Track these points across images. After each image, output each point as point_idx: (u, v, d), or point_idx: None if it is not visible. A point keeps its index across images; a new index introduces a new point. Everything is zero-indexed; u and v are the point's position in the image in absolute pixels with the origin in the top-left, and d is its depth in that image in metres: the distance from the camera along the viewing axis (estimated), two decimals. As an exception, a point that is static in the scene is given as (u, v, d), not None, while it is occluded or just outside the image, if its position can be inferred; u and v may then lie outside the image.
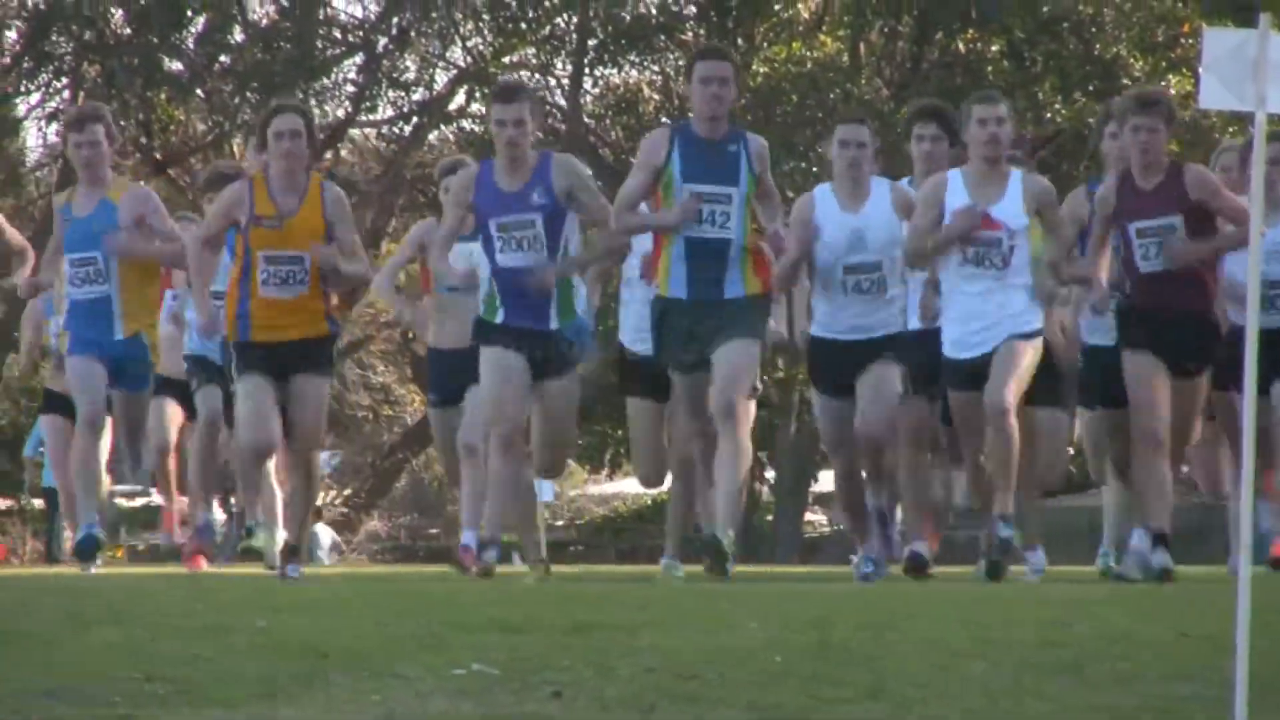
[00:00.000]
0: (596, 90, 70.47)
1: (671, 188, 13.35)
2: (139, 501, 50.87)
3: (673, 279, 13.38)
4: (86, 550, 19.27)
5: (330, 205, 15.55)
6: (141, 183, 22.30)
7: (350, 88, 69.54)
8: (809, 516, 74.23)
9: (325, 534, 56.40)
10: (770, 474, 70.91)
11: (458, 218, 15.66)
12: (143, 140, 63.33)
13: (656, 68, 67.33)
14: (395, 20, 68.13)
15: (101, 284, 18.55)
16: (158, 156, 69.77)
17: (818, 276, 16.44)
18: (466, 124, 70.69)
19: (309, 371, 16.28)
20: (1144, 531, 15.92)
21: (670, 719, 8.05)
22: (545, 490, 18.49)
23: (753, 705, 8.04)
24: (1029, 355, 13.35)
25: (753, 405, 15.67)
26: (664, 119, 59.54)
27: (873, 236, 16.13)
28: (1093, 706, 8.58)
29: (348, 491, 78.50)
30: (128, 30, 66.43)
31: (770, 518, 57.06)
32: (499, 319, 14.66)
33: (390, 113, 73.66)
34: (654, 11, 66.69)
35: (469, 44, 69.42)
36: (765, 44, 65.45)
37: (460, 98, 73.03)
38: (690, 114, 13.21)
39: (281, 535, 19.94)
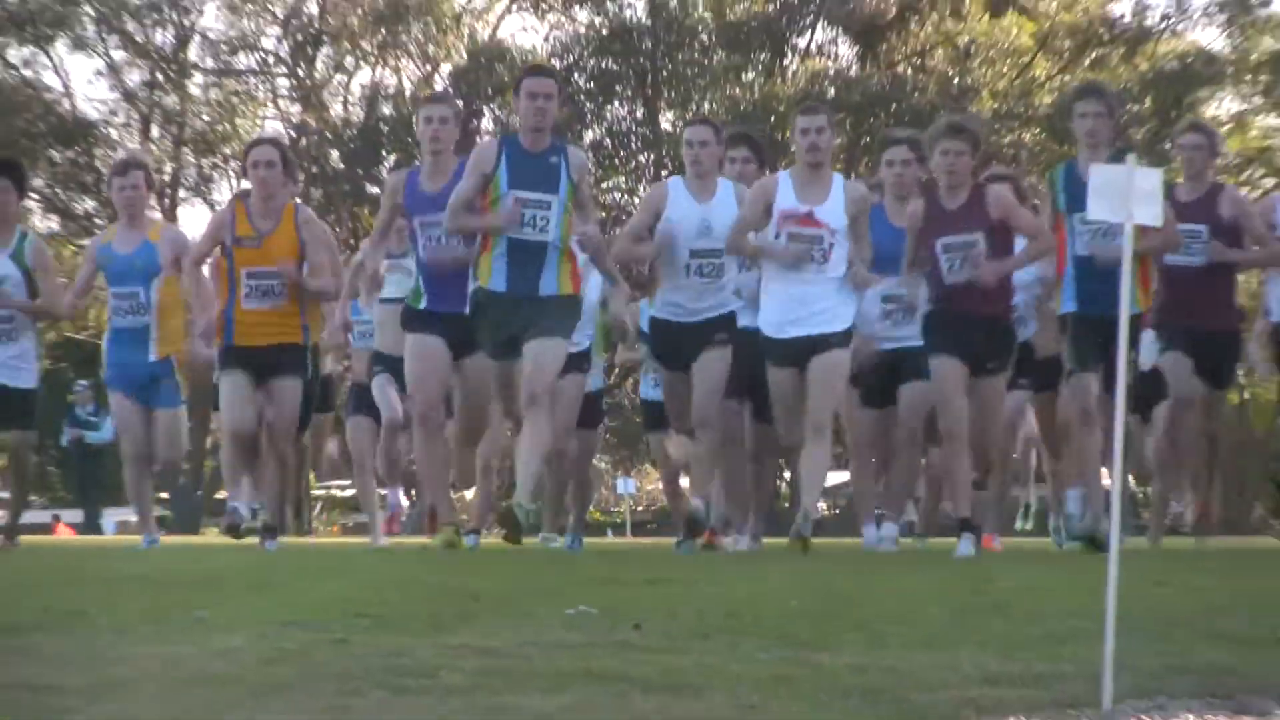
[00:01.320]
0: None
1: (498, 193, 12.82)
2: (349, 491, 47.83)
3: (494, 274, 12.80)
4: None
5: (303, 227, 14.85)
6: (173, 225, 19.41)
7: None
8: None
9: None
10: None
11: (388, 216, 15.05)
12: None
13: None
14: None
15: (143, 315, 17.29)
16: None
17: (665, 261, 15.38)
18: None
19: (284, 374, 15.58)
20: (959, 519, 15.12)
21: (720, 645, 8.41)
22: (628, 485, 17.76)
23: (778, 634, 8.71)
24: (842, 372, 12.93)
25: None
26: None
27: (718, 226, 14.77)
28: (1011, 637, 9.09)
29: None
30: (341, 165, 67.71)
31: (787, 504, 56.40)
32: (423, 305, 14.07)
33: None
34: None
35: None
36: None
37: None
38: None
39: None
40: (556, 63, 61.75)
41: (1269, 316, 16.82)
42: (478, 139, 51.49)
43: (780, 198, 11.95)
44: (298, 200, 17.09)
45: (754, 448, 16.15)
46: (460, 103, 43.32)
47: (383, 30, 65.96)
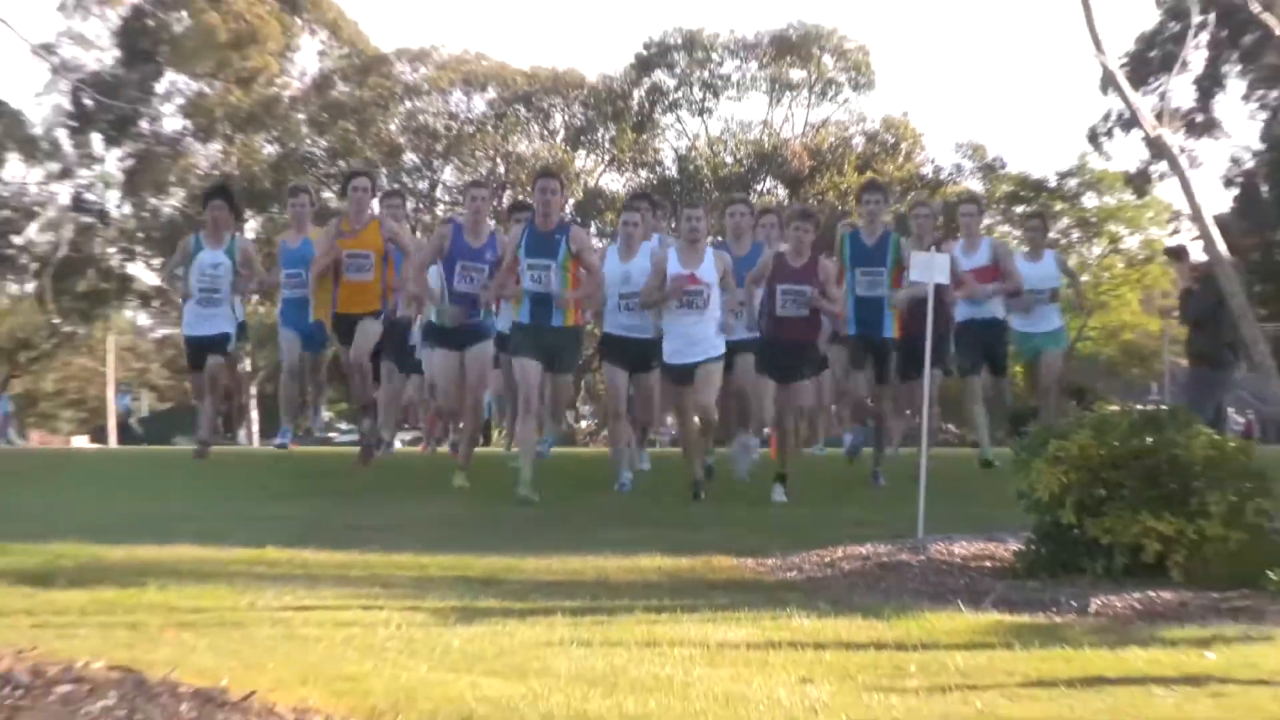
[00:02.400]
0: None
1: (519, 259, 16.13)
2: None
3: (521, 311, 16.28)
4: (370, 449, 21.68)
5: (386, 231, 18.21)
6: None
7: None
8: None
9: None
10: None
11: (432, 255, 17.91)
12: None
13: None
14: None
15: (304, 289, 20.25)
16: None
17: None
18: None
19: (366, 317, 18.53)
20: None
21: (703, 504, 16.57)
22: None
23: (778, 517, 15.02)
24: (718, 374, 16.17)
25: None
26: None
27: (637, 278, 18.33)
28: (873, 501, 17.05)
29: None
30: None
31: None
32: (447, 323, 17.58)
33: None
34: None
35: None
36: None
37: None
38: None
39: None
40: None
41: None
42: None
43: (670, 266, 15.77)
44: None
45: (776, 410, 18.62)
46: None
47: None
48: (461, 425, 20.09)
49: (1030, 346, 21.88)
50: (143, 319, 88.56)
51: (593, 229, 75.80)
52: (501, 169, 71.18)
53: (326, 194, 63.30)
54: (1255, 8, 15.06)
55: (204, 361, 17.01)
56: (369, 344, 18.88)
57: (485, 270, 16.33)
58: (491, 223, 18.56)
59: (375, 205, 21.07)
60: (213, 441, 18.61)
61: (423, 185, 78.20)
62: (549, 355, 16.71)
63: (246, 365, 69.79)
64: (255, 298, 26.62)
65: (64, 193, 62.26)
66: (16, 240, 55.06)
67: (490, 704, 7.35)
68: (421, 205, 77.01)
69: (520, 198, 58.59)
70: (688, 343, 15.84)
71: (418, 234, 27.15)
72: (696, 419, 17.38)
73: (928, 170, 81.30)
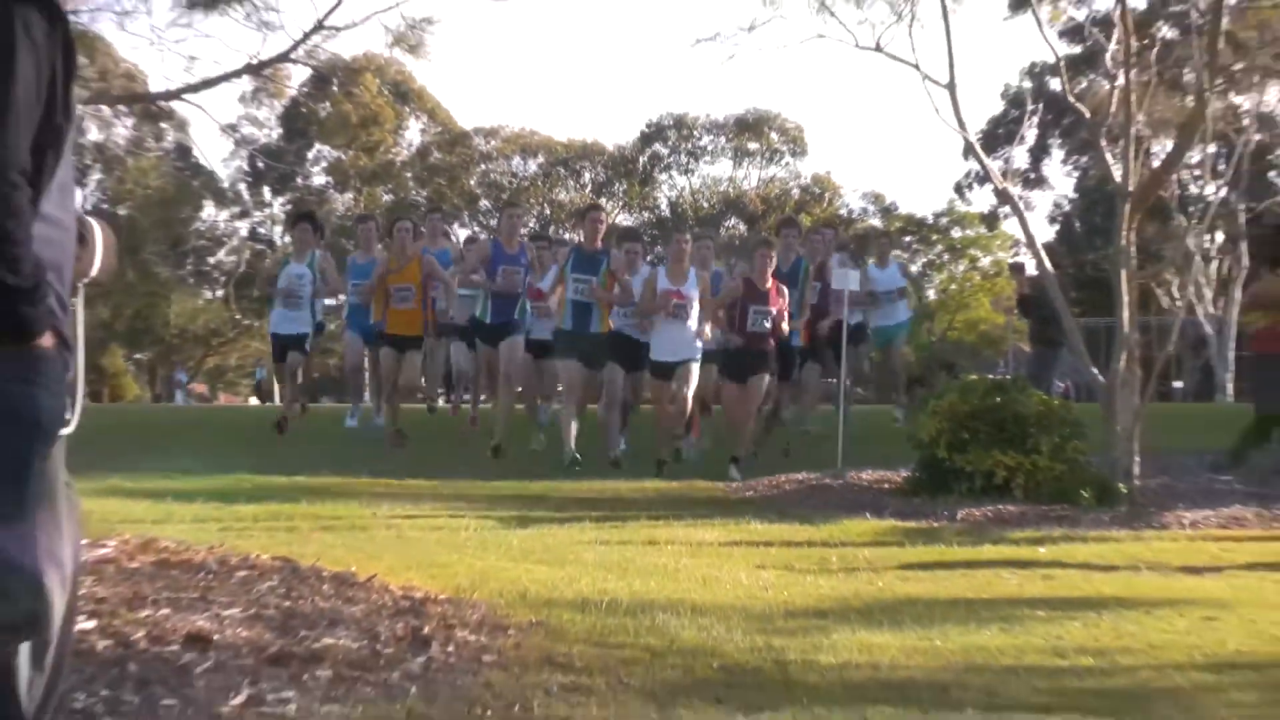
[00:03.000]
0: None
1: (567, 275, 14.65)
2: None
3: (565, 319, 14.68)
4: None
5: (425, 266, 15.65)
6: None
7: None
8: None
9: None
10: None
11: (476, 264, 16.05)
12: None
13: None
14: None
15: (366, 297, 17.18)
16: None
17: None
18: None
19: (413, 349, 15.94)
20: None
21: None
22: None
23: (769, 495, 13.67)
24: (695, 372, 14.44)
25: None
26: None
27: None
28: (807, 456, 15.80)
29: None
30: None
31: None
32: (488, 320, 15.81)
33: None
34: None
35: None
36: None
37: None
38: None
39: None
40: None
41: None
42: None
43: (660, 282, 14.13)
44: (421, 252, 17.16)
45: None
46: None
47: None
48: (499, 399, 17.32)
49: (882, 336, 20.38)
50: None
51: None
52: (547, 211, 70.57)
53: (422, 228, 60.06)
54: (1071, 99, 15.14)
55: (286, 355, 15.38)
56: (415, 374, 17.10)
57: (521, 271, 15.21)
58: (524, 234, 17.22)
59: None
60: (293, 415, 16.48)
61: (493, 223, 73.92)
62: (587, 357, 15.15)
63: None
64: (336, 300, 19.96)
65: (243, 227, 62.36)
66: (210, 260, 55.18)
67: (539, 584, 7.58)
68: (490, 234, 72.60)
69: (552, 231, 57.13)
70: (672, 345, 14.48)
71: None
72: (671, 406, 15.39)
73: (844, 212, 76.80)
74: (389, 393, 16.61)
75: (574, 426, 15.30)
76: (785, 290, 15.03)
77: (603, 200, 74.87)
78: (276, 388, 20.34)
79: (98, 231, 3.46)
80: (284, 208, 58.47)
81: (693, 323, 14.11)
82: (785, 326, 14.93)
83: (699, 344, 14.74)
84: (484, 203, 71.05)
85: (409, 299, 15.07)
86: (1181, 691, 5.79)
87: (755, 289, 14.11)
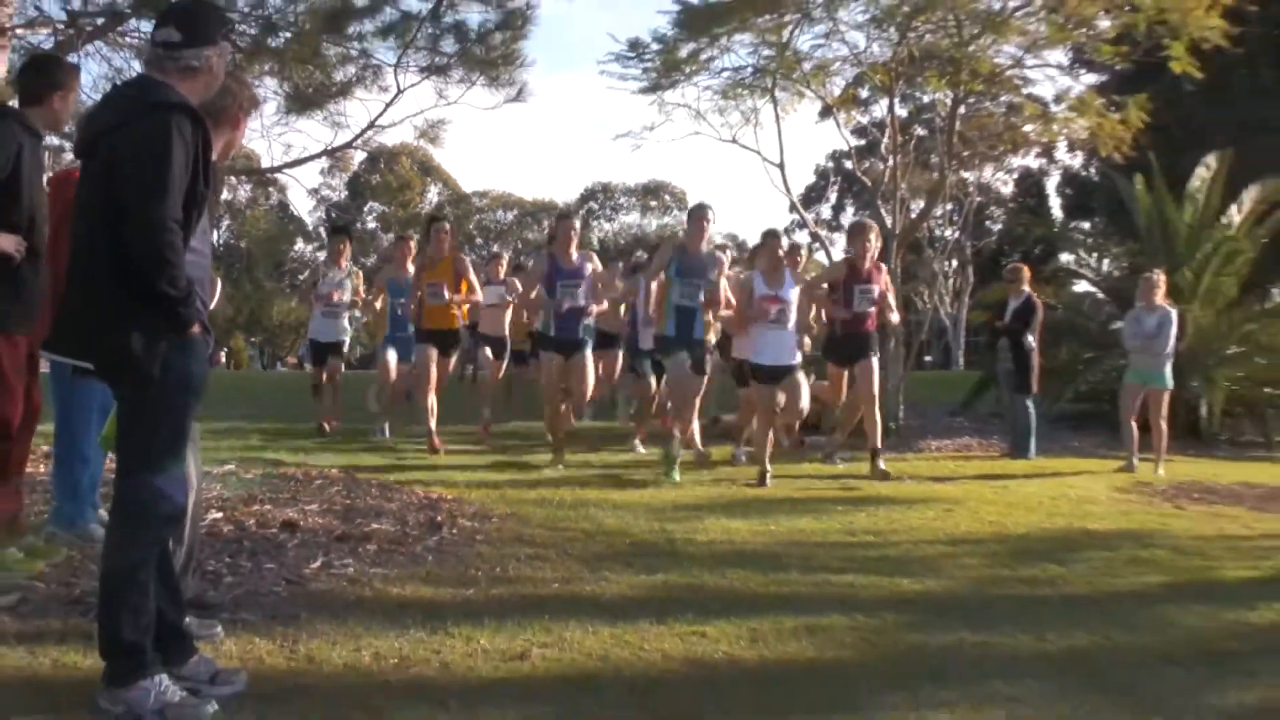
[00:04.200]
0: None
1: (671, 279, 9.77)
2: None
3: (667, 324, 9.70)
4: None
5: (457, 265, 11.09)
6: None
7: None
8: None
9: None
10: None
11: (536, 279, 10.64)
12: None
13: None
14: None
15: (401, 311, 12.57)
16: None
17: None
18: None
19: (449, 350, 11.02)
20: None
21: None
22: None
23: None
24: (803, 379, 9.42)
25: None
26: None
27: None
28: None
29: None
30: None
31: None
32: (551, 333, 10.30)
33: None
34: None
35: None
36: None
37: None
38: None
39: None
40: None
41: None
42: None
43: (757, 286, 9.65)
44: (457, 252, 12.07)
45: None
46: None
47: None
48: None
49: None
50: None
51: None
52: (520, 246, 69.56)
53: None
54: (859, 174, 15.46)
55: (325, 359, 11.57)
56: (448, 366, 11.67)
57: (581, 285, 10.53)
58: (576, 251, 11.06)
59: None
60: (332, 426, 11.79)
61: (484, 253, 73.86)
62: (696, 364, 10.26)
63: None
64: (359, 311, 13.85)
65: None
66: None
67: (514, 490, 7.58)
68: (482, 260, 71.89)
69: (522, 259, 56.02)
70: (775, 350, 9.84)
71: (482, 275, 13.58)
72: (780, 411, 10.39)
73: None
74: (424, 394, 11.75)
75: (696, 430, 10.34)
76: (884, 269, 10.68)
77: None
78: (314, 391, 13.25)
79: (219, 282, 3.67)
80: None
81: (793, 327, 9.83)
82: (893, 313, 10.75)
83: (798, 349, 10.09)
84: (478, 240, 70.70)
85: (440, 295, 10.96)
86: (930, 558, 6.06)
87: (858, 269, 10.18)
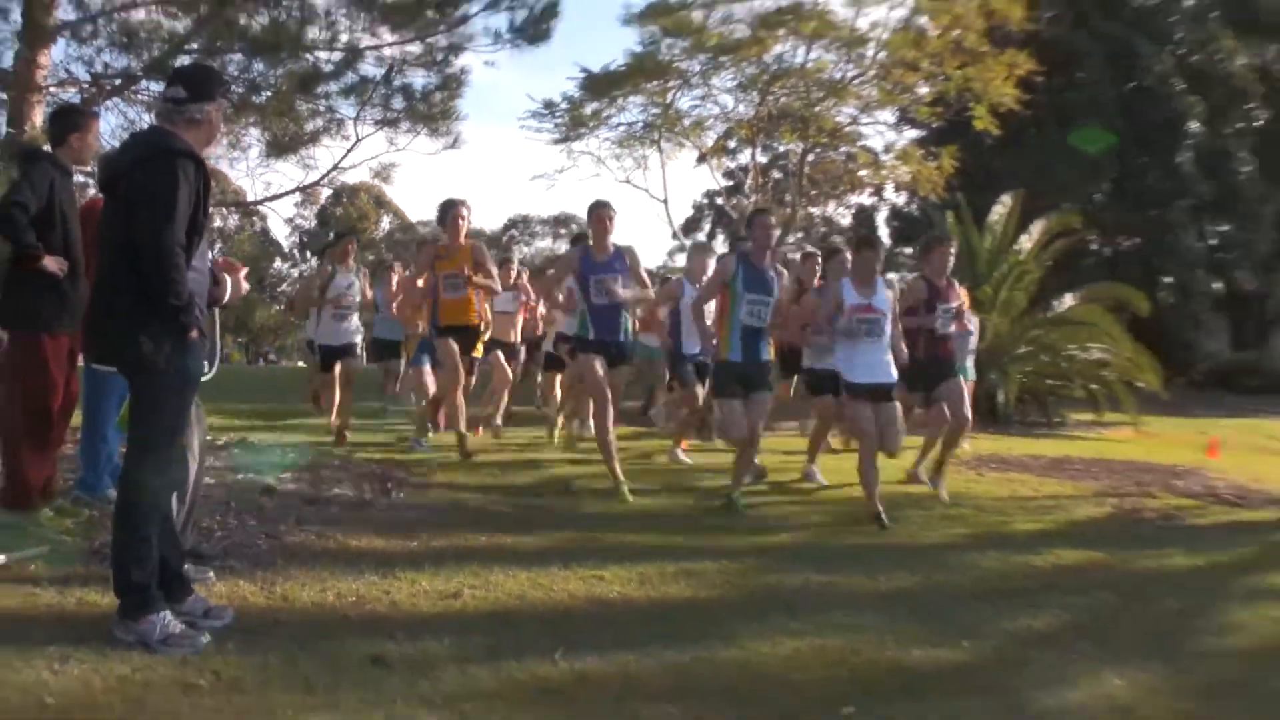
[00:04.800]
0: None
1: (735, 293, 6.81)
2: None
3: (732, 348, 6.73)
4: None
5: (475, 253, 8.18)
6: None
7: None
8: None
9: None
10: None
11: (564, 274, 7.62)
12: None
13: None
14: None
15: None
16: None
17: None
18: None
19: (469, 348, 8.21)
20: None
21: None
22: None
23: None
24: (898, 410, 6.64)
25: None
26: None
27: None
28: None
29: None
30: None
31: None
32: (590, 335, 7.20)
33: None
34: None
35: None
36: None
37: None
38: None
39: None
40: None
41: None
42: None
43: (845, 295, 6.77)
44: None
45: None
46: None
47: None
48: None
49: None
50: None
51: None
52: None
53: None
54: (728, 208, 15.67)
55: (333, 366, 8.98)
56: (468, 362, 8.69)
57: (618, 279, 7.48)
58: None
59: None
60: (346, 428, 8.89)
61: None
62: (751, 387, 6.99)
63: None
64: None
65: (295, 272, 60.48)
66: (278, 290, 54.27)
67: (452, 465, 7.29)
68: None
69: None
70: (870, 366, 7.01)
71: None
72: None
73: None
74: (452, 395, 8.61)
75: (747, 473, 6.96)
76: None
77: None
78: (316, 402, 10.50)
79: (227, 279, 3.73)
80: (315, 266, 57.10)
81: (888, 340, 6.93)
82: (971, 324, 8.47)
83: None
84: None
85: (459, 287, 8.22)
86: (785, 516, 6.06)
87: (937, 288, 7.36)
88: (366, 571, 4.38)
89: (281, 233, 46.17)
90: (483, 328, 8.17)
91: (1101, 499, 7.17)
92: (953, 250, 7.13)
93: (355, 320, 8.91)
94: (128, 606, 3.42)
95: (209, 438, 4.95)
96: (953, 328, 6.99)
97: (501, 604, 4.08)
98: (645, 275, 7.20)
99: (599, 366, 6.73)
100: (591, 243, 7.00)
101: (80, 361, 4.85)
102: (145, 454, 3.45)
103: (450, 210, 7.77)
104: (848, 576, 4.71)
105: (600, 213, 7.01)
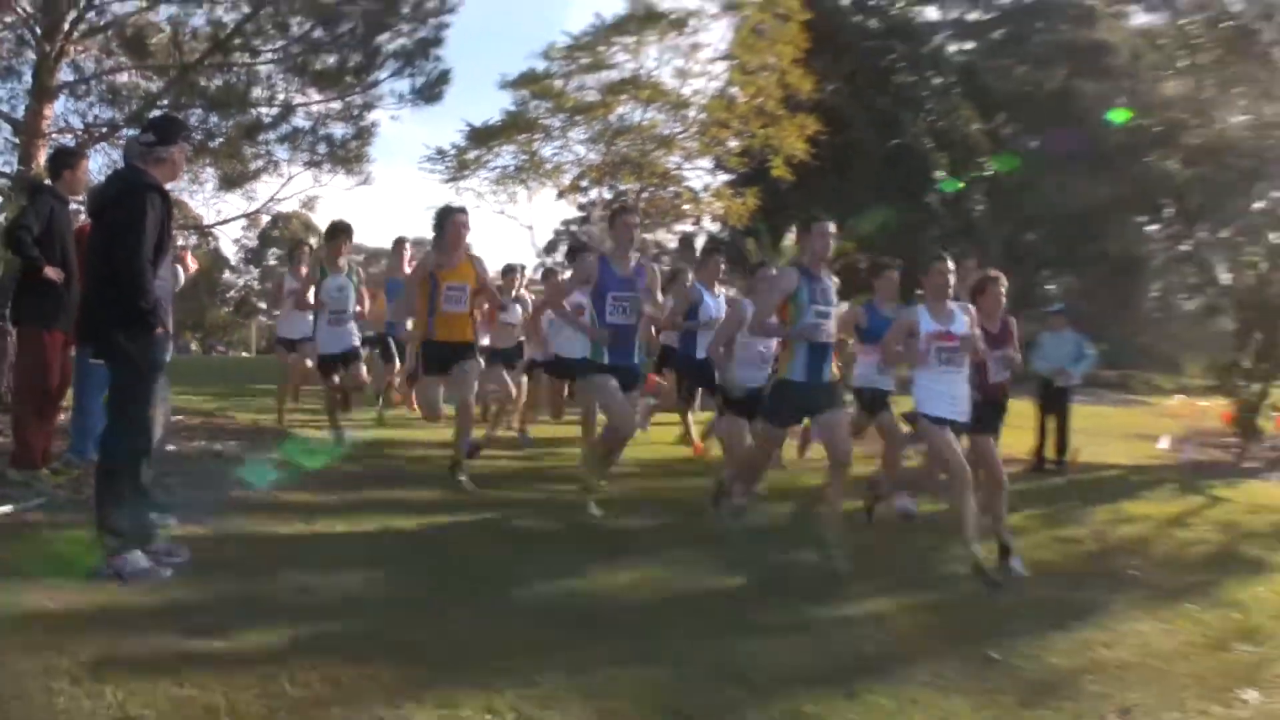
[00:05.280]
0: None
1: (799, 306, 4.78)
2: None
3: (795, 366, 4.77)
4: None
5: (477, 266, 5.84)
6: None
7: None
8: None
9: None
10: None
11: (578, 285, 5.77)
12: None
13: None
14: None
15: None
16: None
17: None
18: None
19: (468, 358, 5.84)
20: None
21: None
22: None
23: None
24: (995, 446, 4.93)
25: None
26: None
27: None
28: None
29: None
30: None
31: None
32: (605, 360, 5.23)
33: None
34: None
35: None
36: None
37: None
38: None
39: None
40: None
41: None
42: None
43: (921, 322, 4.83)
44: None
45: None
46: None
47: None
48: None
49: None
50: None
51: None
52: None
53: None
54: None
55: (332, 372, 6.95)
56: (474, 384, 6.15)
57: (638, 298, 5.33)
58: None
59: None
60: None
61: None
62: (821, 409, 4.87)
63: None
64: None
65: (240, 281, 57.82)
66: (227, 294, 52.44)
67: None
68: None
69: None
70: (953, 399, 4.77)
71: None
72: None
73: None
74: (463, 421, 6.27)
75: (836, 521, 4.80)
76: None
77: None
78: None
79: (180, 271, 4.22)
80: (257, 277, 54.52)
81: (967, 370, 4.91)
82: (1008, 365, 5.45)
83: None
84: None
85: (461, 301, 5.99)
86: (616, 475, 5.87)
87: (991, 333, 5.20)
88: (296, 520, 4.58)
89: (230, 250, 45.65)
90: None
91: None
92: (1004, 289, 5.25)
93: (353, 324, 7.22)
94: (107, 546, 3.58)
95: (173, 416, 5.17)
96: (1007, 374, 5.32)
97: (406, 540, 4.39)
98: (659, 295, 5.86)
99: (617, 387, 5.19)
100: (614, 250, 5.33)
101: (73, 352, 5.05)
102: (121, 425, 3.64)
103: (448, 218, 5.94)
104: (665, 521, 5.07)
105: (626, 218, 5.44)
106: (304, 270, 7.69)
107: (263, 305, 41.10)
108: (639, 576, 4.05)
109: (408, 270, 7.56)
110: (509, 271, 8.39)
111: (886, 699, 2.89)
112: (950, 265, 4.85)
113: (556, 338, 7.18)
